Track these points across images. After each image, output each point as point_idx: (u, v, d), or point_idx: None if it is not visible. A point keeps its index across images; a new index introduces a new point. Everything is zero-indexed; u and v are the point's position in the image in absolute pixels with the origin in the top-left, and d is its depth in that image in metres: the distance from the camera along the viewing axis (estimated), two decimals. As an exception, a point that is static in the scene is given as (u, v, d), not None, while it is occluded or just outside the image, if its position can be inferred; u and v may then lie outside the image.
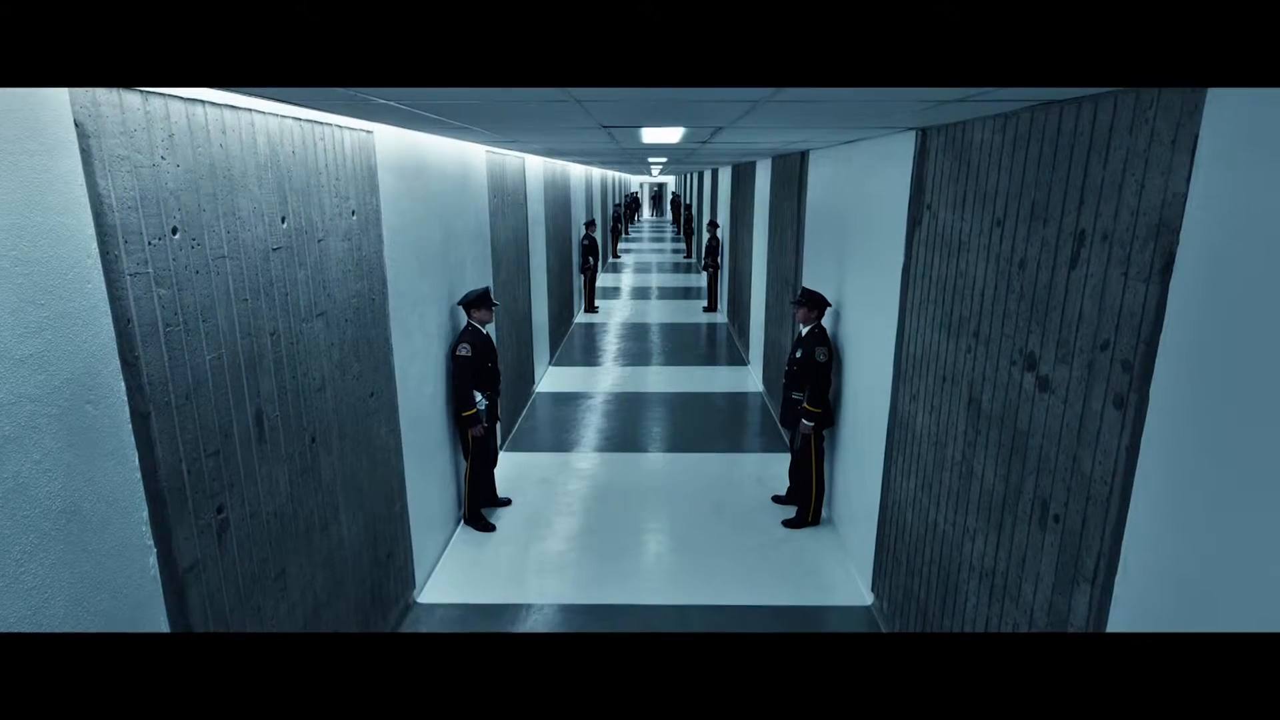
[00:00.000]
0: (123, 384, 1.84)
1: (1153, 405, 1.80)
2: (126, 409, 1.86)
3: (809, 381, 4.78)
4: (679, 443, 6.70)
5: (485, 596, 4.28)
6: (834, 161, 5.03)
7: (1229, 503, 1.54)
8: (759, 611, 4.11)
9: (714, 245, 12.79)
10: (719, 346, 10.56)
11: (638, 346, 10.48)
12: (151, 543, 1.95)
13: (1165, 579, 1.75)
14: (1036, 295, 2.37)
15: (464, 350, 4.64)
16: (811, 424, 4.83)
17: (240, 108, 2.38)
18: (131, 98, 1.89)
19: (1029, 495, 2.41)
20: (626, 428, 7.08)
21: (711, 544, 4.86)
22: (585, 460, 6.30)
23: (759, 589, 4.32)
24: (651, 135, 4.31)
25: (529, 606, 4.18)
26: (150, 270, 1.94)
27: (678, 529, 5.06)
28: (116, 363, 1.82)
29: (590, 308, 13.16)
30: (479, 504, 5.13)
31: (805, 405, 4.83)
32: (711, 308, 13.10)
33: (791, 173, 6.45)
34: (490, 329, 5.15)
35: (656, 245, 25.65)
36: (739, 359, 9.71)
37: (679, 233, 28.53)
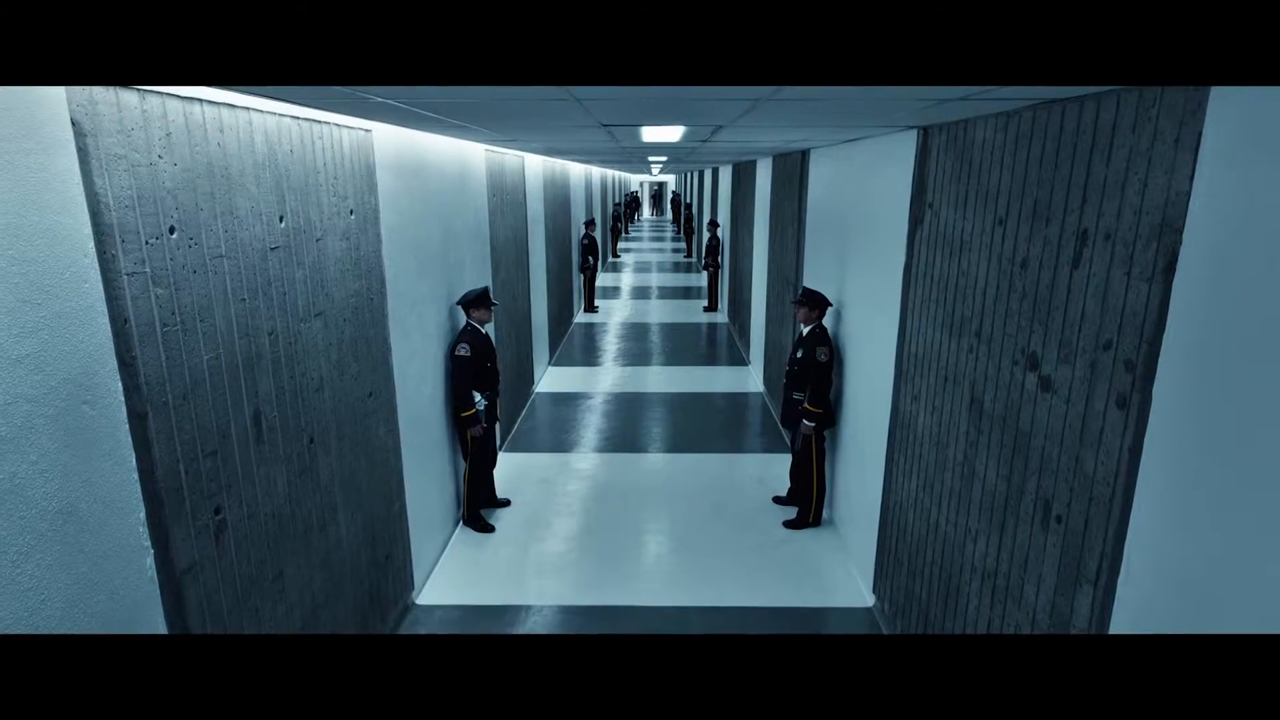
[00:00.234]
0: (120, 384, 1.83)
1: (1155, 405, 1.79)
2: (124, 409, 1.85)
3: (810, 381, 4.77)
4: (679, 443, 6.70)
5: (484, 598, 4.27)
6: (835, 160, 5.02)
7: (1232, 503, 1.53)
8: (759, 613, 4.10)
9: (714, 244, 12.77)
10: (719, 346, 10.55)
11: (637, 346, 10.47)
12: (149, 544, 1.94)
13: (1168, 580, 1.74)
14: (1039, 295, 2.36)
15: (463, 350, 4.63)
16: (812, 424, 4.82)
17: (238, 106, 2.37)
18: (128, 96, 1.88)
19: (1031, 496, 2.40)
20: (626, 428, 7.07)
21: (712, 545, 4.85)
22: (585, 461, 6.30)
23: (759, 590, 4.32)
24: (651, 134, 4.31)
25: (528, 608, 4.17)
26: (147, 270, 1.93)
27: (678, 530, 5.05)
28: (114, 363, 1.81)
29: (590, 307, 13.16)
30: (478, 505, 5.12)
31: (806, 405, 4.81)
32: (712, 307, 13.09)
33: (792, 171, 6.44)
34: (489, 329, 5.14)
35: (656, 244, 25.65)
36: (739, 359, 9.70)
37: (679, 232, 28.53)
